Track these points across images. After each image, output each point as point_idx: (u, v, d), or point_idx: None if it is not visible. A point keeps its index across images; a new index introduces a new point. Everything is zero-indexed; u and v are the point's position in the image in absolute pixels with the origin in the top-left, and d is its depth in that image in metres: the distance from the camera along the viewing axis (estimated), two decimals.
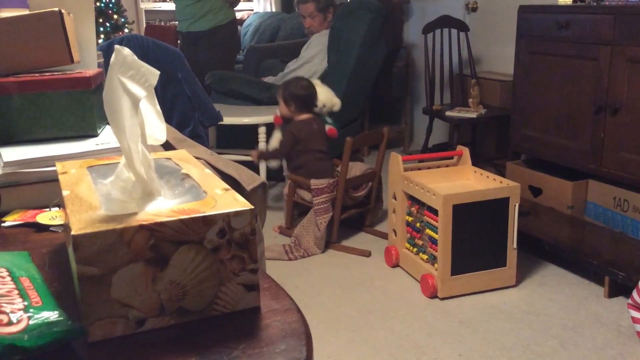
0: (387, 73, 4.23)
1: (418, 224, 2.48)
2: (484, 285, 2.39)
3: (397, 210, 2.61)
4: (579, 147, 2.70)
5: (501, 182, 2.42)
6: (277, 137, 3.20)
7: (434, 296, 2.36)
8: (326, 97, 3.12)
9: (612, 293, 2.34)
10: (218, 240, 0.56)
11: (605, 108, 2.54)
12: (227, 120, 3.29)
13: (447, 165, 2.68)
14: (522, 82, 2.99)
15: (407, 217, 2.56)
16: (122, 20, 5.12)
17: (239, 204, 0.58)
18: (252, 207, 0.57)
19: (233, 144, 3.68)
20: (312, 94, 3.06)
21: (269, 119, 3.39)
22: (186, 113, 2.11)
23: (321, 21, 3.90)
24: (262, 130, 3.35)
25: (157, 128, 0.63)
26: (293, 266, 2.70)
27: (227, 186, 0.62)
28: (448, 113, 3.52)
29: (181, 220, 0.54)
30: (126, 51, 0.56)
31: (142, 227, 0.53)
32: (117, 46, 0.56)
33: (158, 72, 0.57)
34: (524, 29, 2.95)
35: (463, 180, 2.64)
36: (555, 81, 2.80)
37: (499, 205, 2.34)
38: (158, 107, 0.62)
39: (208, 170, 0.67)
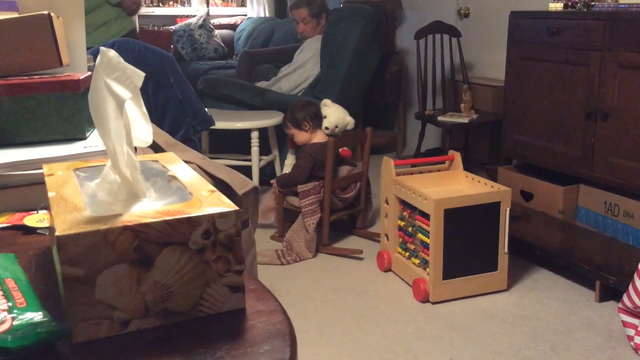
0: (380, 78, 4.24)
1: (410, 229, 2.49)
2: (476, 289, 2.40)
3: (389, 214, 2.62)
4: (570, 152, 2.71)
5: (492, 186, 2.43)
6: (291, 160, 3.21)
7: (425, 300, 2.36)
8: (338, 116, 3.12)
9: (603, 297, 2.35)
10: (203, 241, 0.56)
11: (596, 113, 2.55)
12: (220, 125, 3.29)
13: (439, 170, 2.69)
14: (514, 87, 3.01)
15: (399, 221, 2.57)
16: None
17: (224, 205, 0.58)
18: (237, 208, 0.57)
19: (226, 149, 3.68)
20: (316, 106, 3.09)
21: (262, 123, 3.40)
22: (178, 117, 2.11)
23: (314, 26, 3.91)
24: (254, 135, 3.35)
25: (143, 130, 0.63)
26: (285, 271, 2.70)
27: (213, 188, 0.63)
28: (440, 118, 3.53)
29: (166, 222, 0.54)
30: (112, 53, 0.57)
31: (126, 228, 0.53)
32: (102, 48, 0.56)
33: (143, 74, 0.57)
34: (515, 35, 2.97)
35: (455, 185, 2.65)
36: (546, 86, 2.82)
37: (490, 210, 2.35)
38: (144, 109, 0.62)
39: (195, 173, 0.67)
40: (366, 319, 2.27)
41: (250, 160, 3.39)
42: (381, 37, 3.88)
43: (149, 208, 0.57)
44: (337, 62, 3.66)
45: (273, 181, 3.02)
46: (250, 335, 0.55)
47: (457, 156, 2.67)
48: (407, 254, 2.53)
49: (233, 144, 3.65)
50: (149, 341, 0.55)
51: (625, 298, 2.06)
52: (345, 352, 2.05)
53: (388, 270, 2.65)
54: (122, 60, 0.57)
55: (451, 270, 2.34)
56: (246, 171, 3.07)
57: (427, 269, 2.37)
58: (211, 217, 0.56)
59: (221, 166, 1.92)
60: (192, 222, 0.55)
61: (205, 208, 0.57)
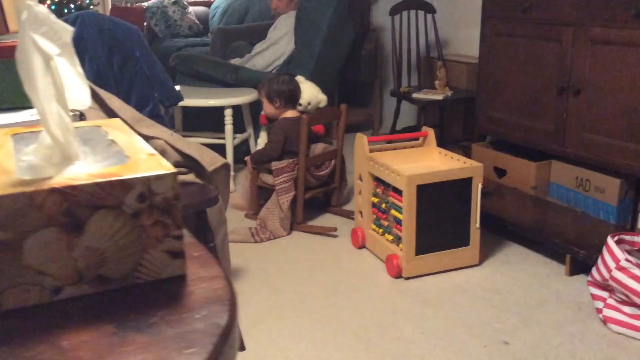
0: (355, 56, 4.20)
1: (383, 205, 2.48)
2: (448, 264, 2.40)
3: (362, 191, 2.61)
4: (542, 128, 2.71)
5: (465, 162, 2.43)
6: (264, 137, 3.16)
7: (398, 276, 2.37)
8: (311, 93, 3.08)
9: (573, 271, 2.37)
10: (138, 205, 0.54)
11: (568, 89, 2.55)
12: (193, 102, 3.24)
13: (412, 147, 2.68)
14: (487, 63, 2.99)
15: (373, 198, 2.56)
16: (87, 1, 5.00)
17: (162, 168, 0.56)
18: (175, 170, 0.55)
19: (200, 126, 3.63)
20: (296, 87, 3.01)
21: (236, 101, 3.35)
22: (145, 92, 2.06)
23: (288, 2, 3.86)
24: (228, 113, 3.31)
25: (79, 91, 0.60)
26: (259, 249, 2.68)
27: (154, 151, 0.60)
28: (415, 95, 3.52)
29: (97, 184, 0.52)
30: (40, 7, 0.54)
31: (53, 191, 0.50)
32: (29, 2, 0.53)
33: (72, 29, 0.54)
34: (489, 11, 2.95)
35: (428, 161, 2.65)
36: (519, 63, 2.81)
37: (463, 186, 2.35)
38: (79, 68, 0.59)
39: (137, 137, 0.65)
40: (339, 295, 2.26)
41: (224, 138, 3.35)
42: (356, 14, 3.83)
43: (82, 171, 0.55)
44: (311, 38, 3.62)
45: (247, 158, 2.99)
46: (188, 301, 0.54)
47: (431, 132, 2.66)
48: (380, 230, 2.53)
49: (207, 121, 3.60)
50: (82, 308, 0.53)
51: (594, 271, 2.08)
52: (318, 327, 2.05)
53: (362, 247, 2.65)
54: (51, 15, 0.54)
55: (424, 245, 2.34)
56: (221, 149, 3.03)
57: (400, 245, 2.37)
58: (146, 180, 0.54)
59: (190, 142, 1.88)
60: (125, 185, 0.53)
61: (141, 170, 0.54)
